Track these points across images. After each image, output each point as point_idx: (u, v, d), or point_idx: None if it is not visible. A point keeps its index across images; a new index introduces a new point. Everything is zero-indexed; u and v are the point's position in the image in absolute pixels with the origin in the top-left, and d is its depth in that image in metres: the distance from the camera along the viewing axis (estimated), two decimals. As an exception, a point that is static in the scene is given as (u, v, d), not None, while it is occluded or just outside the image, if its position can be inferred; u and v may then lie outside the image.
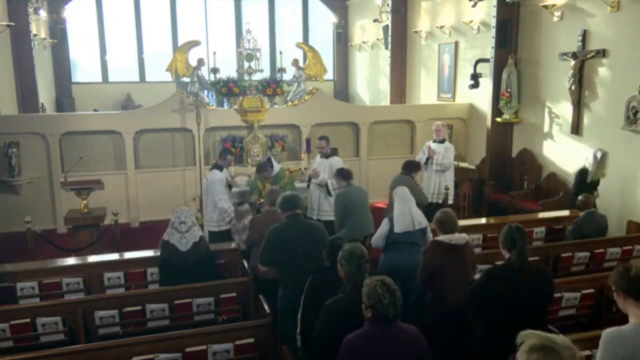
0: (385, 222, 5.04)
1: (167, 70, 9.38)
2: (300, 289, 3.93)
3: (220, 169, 6.63)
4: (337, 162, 7.04)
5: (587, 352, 3.64)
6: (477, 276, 4.27)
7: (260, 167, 6.66)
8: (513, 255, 3.63)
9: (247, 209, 6.20)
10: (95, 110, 13.20)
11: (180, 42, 13.22)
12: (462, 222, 4.91)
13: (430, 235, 5.07)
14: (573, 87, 7.57)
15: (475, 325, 3.93)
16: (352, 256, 3.37)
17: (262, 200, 6.25)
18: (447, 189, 7.80)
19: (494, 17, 8.88)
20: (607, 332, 2.74)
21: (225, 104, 9.58)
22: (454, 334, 4.10)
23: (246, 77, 8.09)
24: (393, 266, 4.81)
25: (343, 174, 5.61)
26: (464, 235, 4.34)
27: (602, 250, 5.64)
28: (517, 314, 3.48)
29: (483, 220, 6.85)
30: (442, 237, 4.32)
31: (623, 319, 2.88)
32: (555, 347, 1.85)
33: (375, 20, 13.27)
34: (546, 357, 1.83)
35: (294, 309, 4.02)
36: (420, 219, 5.01)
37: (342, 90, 16.74)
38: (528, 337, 1.92)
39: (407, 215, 4.94)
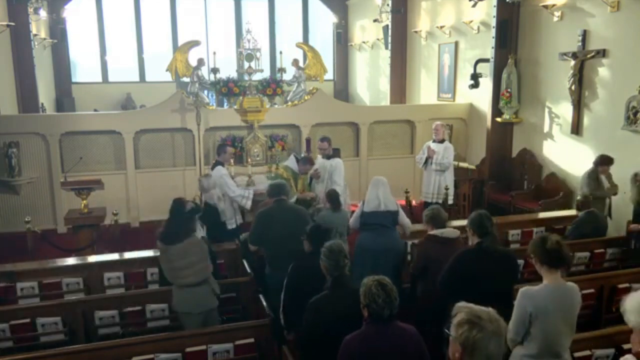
0: (360, 205, 5.47)
1: (167, 70, 9.38)
2: (284, 266, 4.22)
3: (222, 165, 6.65)
4: (336, 164, 7.01)
5: (587, 352, 3.65)
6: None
7: (307, 159, 7.08)
8: (486, 240, 3.91)
9: (212, 182, 6.16)
10: (95, 110, 13.20)
11: (180, 42, 13.22)
12: (462, 222, 4.92)
13: (402, 220, 5.42)
14: (573, 87, 7.57)
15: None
16: (331, 252, 3.52)
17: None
18: (447, 189, 7.81)
19: (494, 17, 8.88)
20: (521, 290, 3.24)
21: (225, 104, 9.59)
22: (433, 317, 4.24)
23: (246, 77, 8.09)
24: (365, 245, 5.17)
25: (332, 199, 5.70)
26: (455, 229, 4.61)
27: (602, 250, 5.64)
28: (485, 291, 3.64)
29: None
30: (434, 232, 4.58)
31: (624, 319, 2.89)
32: (479, 322, 2.05)
33: (375, 20, 13.27)
34: (471, 330, 2.04)
35: (279, 285, 4.28)
36: (387, 203, 5.32)
37: (342, 90, 16.74)
38: (459, 311, 2.13)
39: (375, 197, 5.32)
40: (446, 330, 2.16)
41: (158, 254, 4.81)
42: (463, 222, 4.58)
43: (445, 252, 4.36)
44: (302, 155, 7.75)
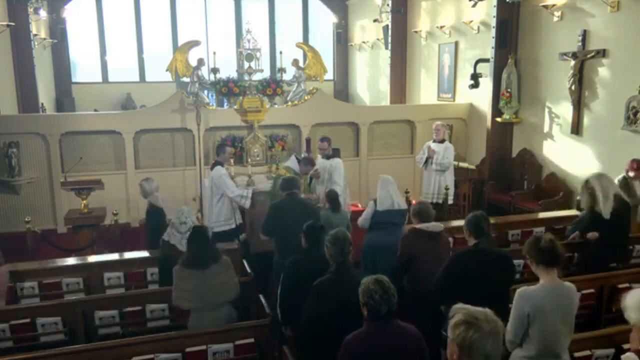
0: (370, 205, 5.51)
1: (167, 70, 9.37)
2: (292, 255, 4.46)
3: (222, 165, 6.66)
4: (336, 164, 7.00)
5: (587, 352, 3.65)
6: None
7: (308, 159, 7.11)
8: (482, 241, 3.93)
9: (154, 185, 6.04)
10: (95, 110, 13.20)
11: (180, 42, 13.22)
12: (462, 223, 4.93)
13: None
14: (573, 87, 7.57)
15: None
16: (336, 240, 3.69)
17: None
18: (447, 189, 7.81)
19: (494, 17, 8.88)
20: (518, 291, 3.25)
21: (225, 104, 9.58)
22: (430, 318, 4.28)
23: (246, 77, 8.08)
24: (376, 244, 5.23)
25: (331, 199, 5.78)
26: (439, 224, 4.76)
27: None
28: (482, 292, 3.66)
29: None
30: (420, 226, 4.68)
31: (624, 319, 2.90)
32: (475, 322, 2.07)
33: (375, 20, 13.27)
34: (467, 331, 2.06)
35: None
36: (399, 201, 5.47)
37: (342, 90, 16.73)
38: (456, 312, 2.15)
39: (388, 197, 5.40)
40: (443, 332, 2.17)
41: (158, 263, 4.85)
42: (463, 222, 4.59)
43: (429, 246, 4.58)
44: (303, 155, 7.75)
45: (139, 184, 5.88)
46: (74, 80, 15.30)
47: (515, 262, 4.85)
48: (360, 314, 2.99)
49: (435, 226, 4.69)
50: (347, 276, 3.55)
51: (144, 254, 5.43)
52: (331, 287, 3.52)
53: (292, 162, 7.37)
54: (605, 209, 5.08)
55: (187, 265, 4.05)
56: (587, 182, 5.28)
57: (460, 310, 2.14)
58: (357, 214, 7.30)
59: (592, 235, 5.18)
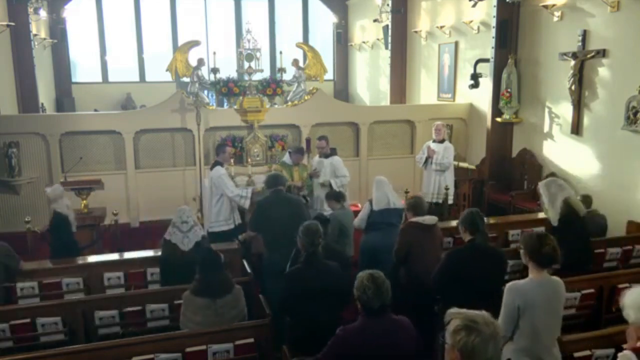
0: (366, 206, 5.61)
1: (167, 70, 9.37)
2: (280, 251, 4.85)
3: (221, 165, 6.66)
4: (337, 161, 7.10)
5: (587, 352, 3.65)
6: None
7: (297, 149, 7.29)
8: (477, 237, 4.00)
9: (59, 191, 5.94)
10: (95, 110, 13.20)
11: (180, 42, 13.22)
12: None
13: None
14: (573, 87, 7.57)
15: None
16: (308, 231, 3.89)
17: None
18: (447, 188, 7.81)
19: (494, 17, 8.88)
20: (508, 285, 3.32)
21: (225, 104, 9.58)
22: (426, 310, 4.38)
23: (246, 77, 8.08)
24: (373, 245, 5.29)
25: (336, 197, 5.85)
26: (434, 217, 4.90)
27: (602, 250, 5.63)
28: (478, 288, 3.78)
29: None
30: (416, 219, 4.77)
31: (624, 319, 2.90)
32: (476, 326, 2.05)
33: (375, 20, 13.27)
34: (469, 336, 2.03)
35: (275, 268, 4.84)
36: (395, 200, 5.54)
37: (342, 90, 16.73)
38: (453, 317, 2.12)
39: (384, 196, 5.49)
40: (441, 338, 2.16)
41: (159, 253, 4.85)
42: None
43: (425, 237, 4.71)
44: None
45: (45, 190, 5.88)
46: (74, 80, 15.31)
47: (516, 262, 4.87)
48: (331, 301, 3.45)
49: (430, 219, 4.81)
50: (316, 266, 3.82)
51: (144, 253, 5.43)
52: (301, 276, 3.79)
53: (286, 158, 7.49)
54: (552, 215, 5.00)
55: (196, 293, 3.81)
56: (537, 188, 5.22)
57: (456, 316, 2.12)
58: (357, 214, 7.35)
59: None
